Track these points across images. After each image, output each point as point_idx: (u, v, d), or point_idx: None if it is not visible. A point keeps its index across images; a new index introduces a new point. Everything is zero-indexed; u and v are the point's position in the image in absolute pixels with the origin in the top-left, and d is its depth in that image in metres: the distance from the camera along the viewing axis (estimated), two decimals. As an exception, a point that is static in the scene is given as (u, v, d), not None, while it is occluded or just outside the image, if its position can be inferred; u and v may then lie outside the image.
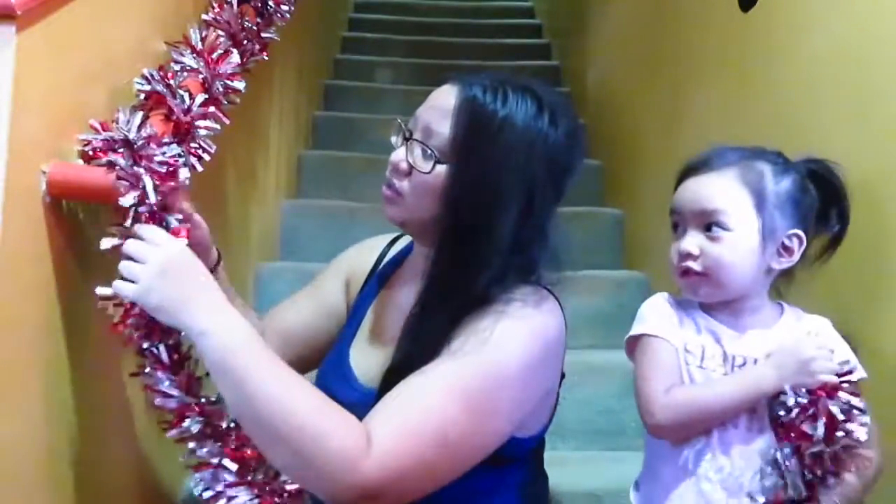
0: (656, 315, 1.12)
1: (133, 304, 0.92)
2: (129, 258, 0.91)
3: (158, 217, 0.95)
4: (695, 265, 1.05)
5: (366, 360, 1.09)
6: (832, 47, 1.45)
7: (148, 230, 0.92)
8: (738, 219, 1.04)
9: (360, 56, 4.00)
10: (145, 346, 0.94)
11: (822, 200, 1.09)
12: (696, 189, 1.07)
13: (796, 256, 1.07)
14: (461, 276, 0.98)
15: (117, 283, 0.91)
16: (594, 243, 2.59)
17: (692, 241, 1.06)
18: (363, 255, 1.24)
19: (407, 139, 1.04)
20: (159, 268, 0.89)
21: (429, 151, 1.00)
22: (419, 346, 0.97)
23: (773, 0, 1.71)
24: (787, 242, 1.06)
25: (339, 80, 3.74)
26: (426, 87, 1.14)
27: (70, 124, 0.98)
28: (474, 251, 0.98)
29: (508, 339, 0.94)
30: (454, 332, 0.96)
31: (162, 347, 0.93)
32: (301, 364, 1.13)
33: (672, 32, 2.38)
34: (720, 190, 1.05)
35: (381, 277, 1.19)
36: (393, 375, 0.97)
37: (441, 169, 1.00)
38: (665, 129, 2.38)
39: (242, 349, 0.87)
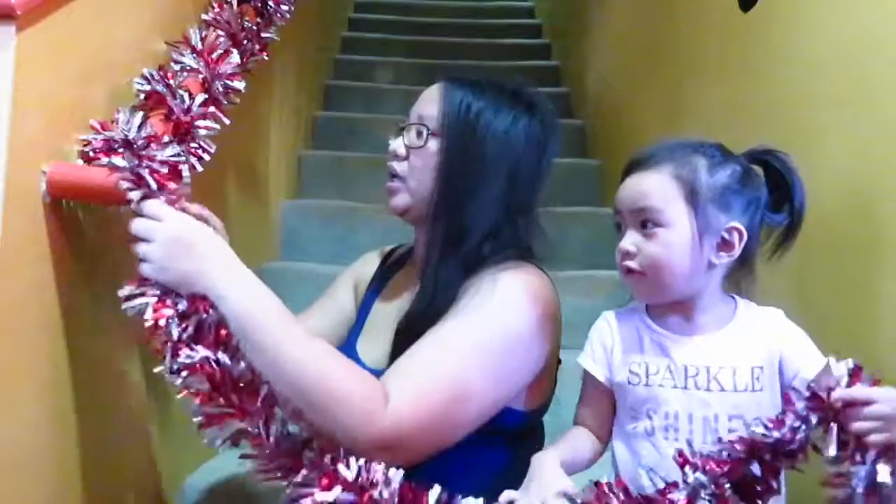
0: (589, 345, 1.13)
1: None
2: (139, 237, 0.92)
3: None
4: (633, 263, 1.04)
5: (371, 349, 1.15)
6: (832, 47, 1.45)
7: (150, 206, 0.93)
8: (671, 215, 1.02)
9: (360, 56, 4.00)
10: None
11: (773, 191, 1.07)
12: (632, 187, 1.06)
13: (737, 250, 1.04)
14: (457, 228, 1.08)
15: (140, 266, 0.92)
16: (594, 243, 2.58)
17: (629, 239, 1.04)
18: (369, 262, 1.31)
19: (402, 129, 1.14)
20: (167, 244, 0.91)
21: (422, 130, 1.11)
22: (435, 292, 1.06)
23: (773, 0, 1.71)
24: (726, 236, 1.03)
25: (339, 80, 3.74)
26: (426, 87, 1.17)
27: (70, 124, 0.98)
28: (467, 209, 1.09)
29: (511, 299, 1.03)
30: (459, 293, 1.04)
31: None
32: None
33: (672, 32, 2.38)
34: (654, 186, 1.04)
35: (384, 277, 1.26)
36: (412, 320, 1.06)
37: (433, 143, 1.11)
38: (665, 129, 2.38)
39: (261, 313, 0.91)
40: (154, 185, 0.94)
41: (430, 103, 1.13)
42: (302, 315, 1.29)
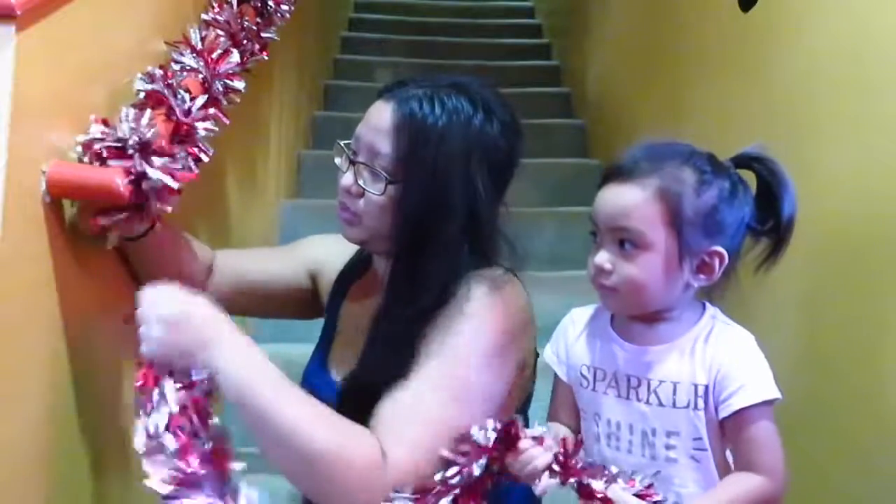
0: (554, 341, 1.13)
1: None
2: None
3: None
4: (607, 282, 1.00)
5: (344, 361, 1.14)
6: (831, 47, 1.45)
7: (147, 292, 0.91)
8: (652, 237, 0.97)
9: (360, 56, 4.00)
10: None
11: (760, 200, 1.02)
12: (612, 201, 1.00)
13: (717, 275, 1.00)
14: (418, 282, 1.02)
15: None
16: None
17: (605, 256, 1.00)
18: (334, 251, 1.27)
19: (353, 162, 1.07)
20: (159, 322, 0.89)
21: (378, 173, 1.03)
22: (382, 355, 1.01)
23: (774, 0, 1.71)
24: (706, 259, 0.99)
25: (339, 80, 3.74)
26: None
27: (70, 124, 0.98)
28: (429, 257, 1.02)
29: (480, 330, 0.98)
30: (425, 332, 0.99)
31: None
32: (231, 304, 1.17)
33: (672, 32, 2.38)
34: (636, 205, 0.97)
35: (351, 278, 1.23)
36: (358, 382, 1.01)
37: (392, 188, 1.03)
38: (665, 129, 2.38)
39: (253, 386, 0.88)
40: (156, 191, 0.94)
41: (382, 136, 1.03)
42: (249, 251, 1.32)
